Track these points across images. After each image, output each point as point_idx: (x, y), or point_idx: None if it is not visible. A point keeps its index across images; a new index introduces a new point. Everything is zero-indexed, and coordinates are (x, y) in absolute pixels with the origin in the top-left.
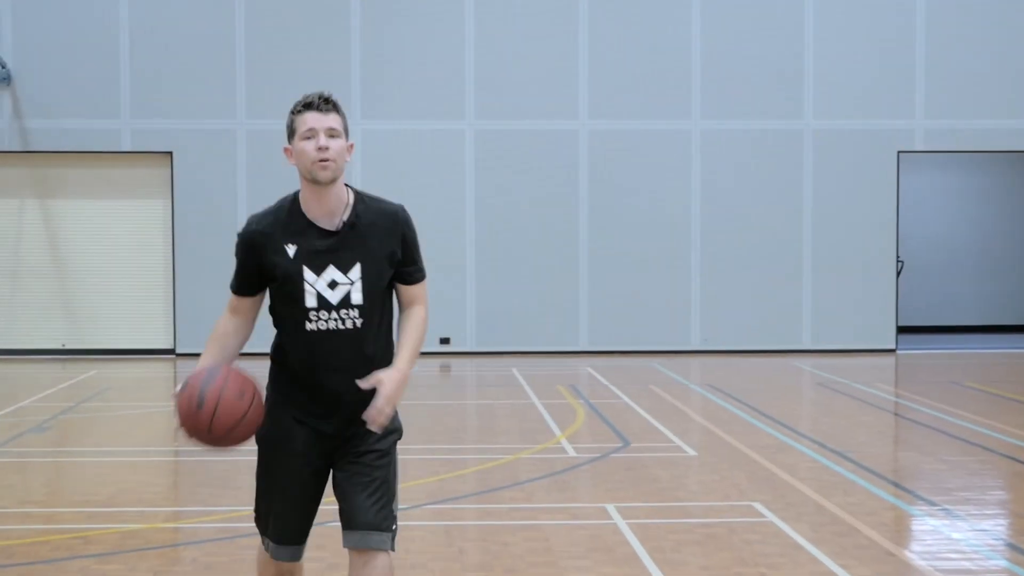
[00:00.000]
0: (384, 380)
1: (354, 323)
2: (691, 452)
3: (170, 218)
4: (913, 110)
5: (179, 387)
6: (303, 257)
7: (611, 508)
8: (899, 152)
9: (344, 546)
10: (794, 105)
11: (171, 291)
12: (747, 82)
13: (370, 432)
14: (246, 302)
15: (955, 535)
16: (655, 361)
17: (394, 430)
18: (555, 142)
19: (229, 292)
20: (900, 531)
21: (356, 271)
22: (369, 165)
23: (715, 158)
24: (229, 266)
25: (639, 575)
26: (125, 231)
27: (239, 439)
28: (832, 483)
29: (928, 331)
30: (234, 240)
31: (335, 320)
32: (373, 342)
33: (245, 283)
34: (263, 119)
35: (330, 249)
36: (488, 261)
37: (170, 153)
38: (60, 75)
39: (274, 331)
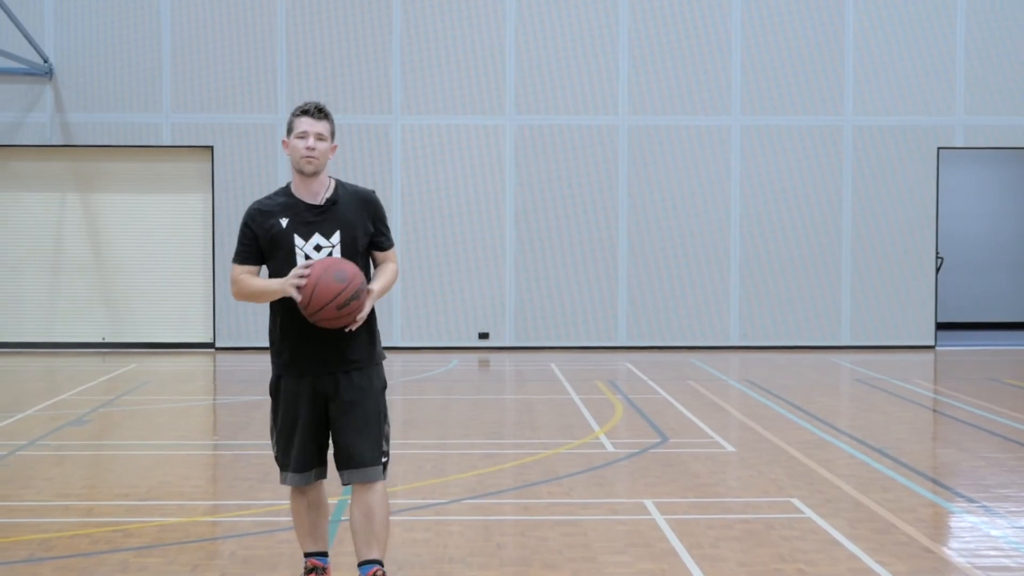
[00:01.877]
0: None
1: None
2: (729, 448)
3: (210, 212)
4: (954, 106)
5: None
6: (293, 227)
7: (649, 503)
8: (939, 148)
9: (344, 483)
10: (834, 101)
11: (211, 285)
12: (787, 78)
13: (357, 379)
14: (248, 271)
15: (994, 532)
16: (693, 356)
17: (382, 384)
18: (594, 138)
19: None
20: (938, 528)
21: (336, 237)
22: (409, 160)
23: (755, 154)
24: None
25: (677, 570)
26: (165, 225)
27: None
28: (870, 479)
29: (968, 327)
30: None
31: None
32: None
33: (245, 253)
34: None
35: (315, 220)
36: (527, 256)
37: (211, 147)
38: (101, 69)
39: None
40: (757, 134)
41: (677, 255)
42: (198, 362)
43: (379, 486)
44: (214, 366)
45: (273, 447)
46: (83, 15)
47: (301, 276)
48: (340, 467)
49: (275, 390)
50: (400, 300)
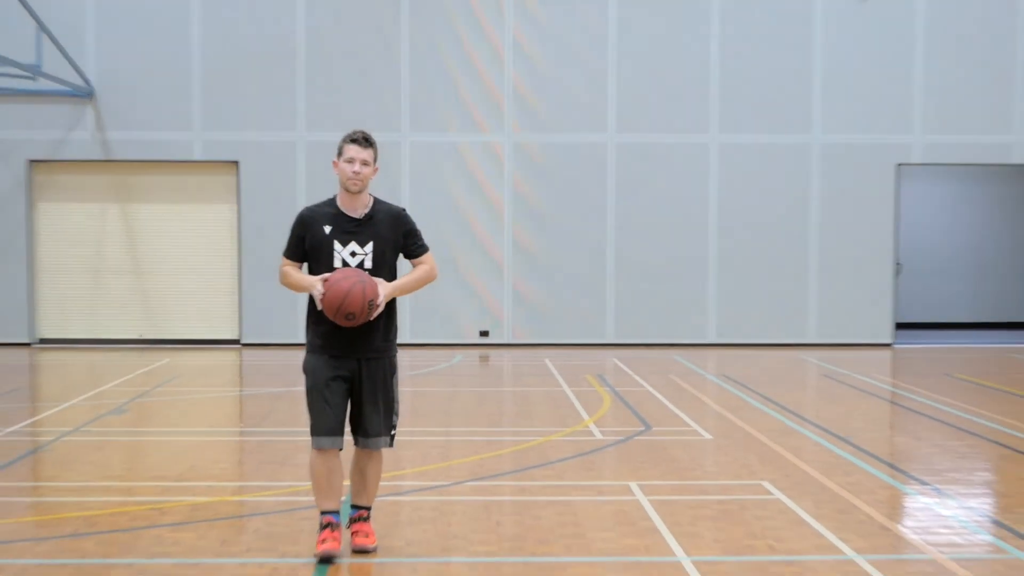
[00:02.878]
0: (379, 287)
1: None
2: (707, 435)
3: (236, 221)
4: (912, 126)
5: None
6: (335, 234)
7: (634, 486)
8: (898, 164)
9: (358, 447)
10: (803, 121)
11: (237, 287)
12: (761, 100)
13: (376, 366)
14: (292, 266)
15: (944, 512)
16: (675, 353)
17: (394, 371)
18: (586, 154)
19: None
20: (895, 508)
21: (369, 247)
22: (417, 174)
23: (731, 169)
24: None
25: (659, 546)
26: (196, 233)
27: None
28: (834, 464)
29: (923, 327)
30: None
31: None
32: None
33: (292, 250)
34: (321, 132)
35: (354, 231)
36: (524, 262)
37: (237, 162)
38: (138, 91)
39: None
40: (733, 151)
41: (660, 260)
42: (225, 357)
43: (378, 454)
44: (240, 361)
45: (311, 413)
46: (121, 42)
47: (323, 282)
48: (355, 433)
49: (309, 367)
50: (410, 301)
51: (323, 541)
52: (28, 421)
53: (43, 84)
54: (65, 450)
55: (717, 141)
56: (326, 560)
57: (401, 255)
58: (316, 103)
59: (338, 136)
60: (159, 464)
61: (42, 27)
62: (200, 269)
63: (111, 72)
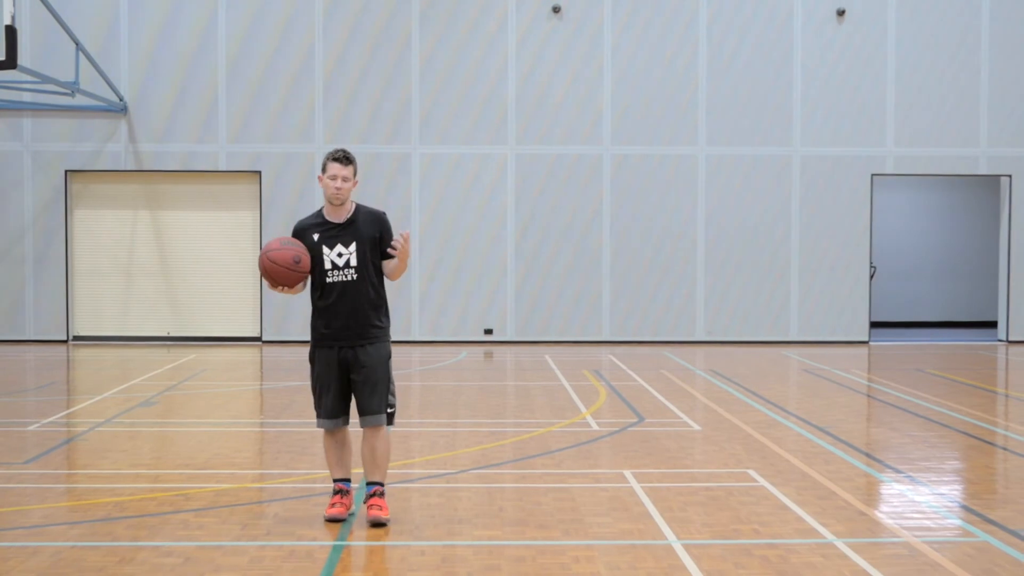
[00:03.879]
0: (401, 240)
1: (352, 277)
2: (696, 427)
3: (258, 226)
4: (885, 139)
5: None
6: (323, 240)
7: (628, 474)
8: (873, 175)
9: (360, 426)
10: (784, 134)
11: (258, 288)
12: (745, 114)
13: (371, 350)
14: None
15: (917, 498)
16: (666, 350)
17: (388, 354)
18: (583, 164)
19: None
20: (871, 494)
21: (352, 246)
22: (427, 183)
23: (718, 178)
24: None
25: (651, 530)
26: (220, 238)
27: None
28: (814, 454)
29: (897, 326)
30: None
31: (342, 275)
32: (365, 289)
33: None
34: (338, 143)
35: (338, 234)
36: (526, 264)
37: (259, 172)
38: (167, 106)
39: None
40: (720, 162)
41: (652, 263)
42: (247, 353)
43: (383, 430)
44: (261, 356)
45: (314, 399)
46: (152, 61)
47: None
48: (359, 415)
49: (312, 358)
50: (418, 301)
51: (332, 505)
52: (64, 413)
53: (80, 100)
54: (98, 440)
55: (704, 153)
56: (334, 521)
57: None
58: (333, 117)
59: (354, 148)
60: (185, 453)
61: (79, 47)
62: (224, 271)
63: (143, 89)
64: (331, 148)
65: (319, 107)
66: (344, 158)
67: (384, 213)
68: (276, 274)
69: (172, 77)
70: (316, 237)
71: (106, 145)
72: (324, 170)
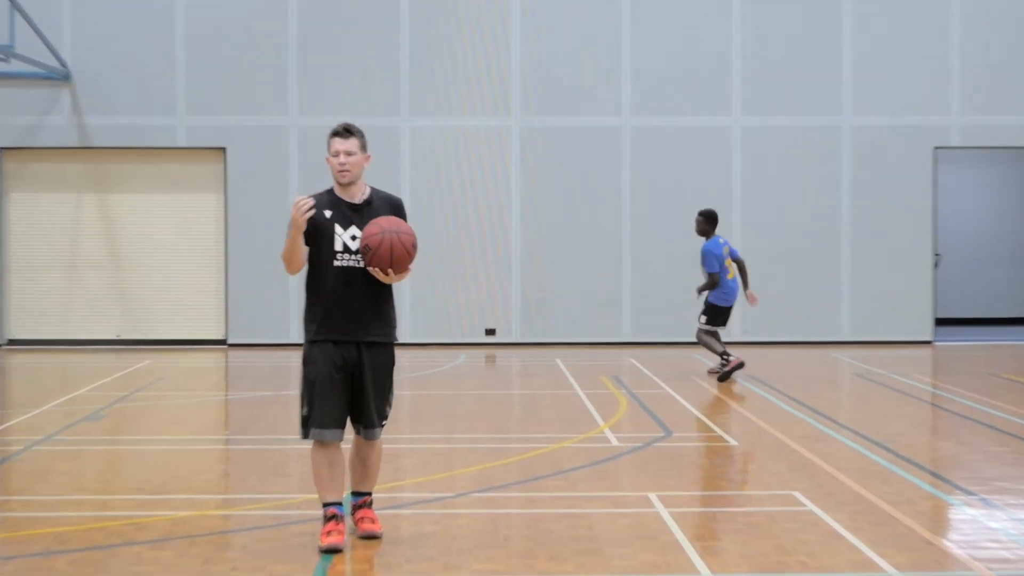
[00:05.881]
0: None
1: (363, 263)
2: (732, 442)
3: (223, 212)
4: (949, 107)
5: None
6: (336, 218)
7: (653, 497)
8: (935, 148)
9: (356, 433)
10: (832, 102)
11: (223, 283)
12: (786, 79)
13: (375, 352)
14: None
15: (992, 524)
16: (696, 352)
17: (393, 362)
18: (599, 139)
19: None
20: (938, 520)
21: None
22: (417, 162)
23: (755, 154)
24: (280, 260)
25: (681, 563)
26: (179, 225)
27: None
28: (870, 472)
29: (965, 323)
30: (286, 228)
31: (352, 260)
32: (375, 279)
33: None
34: (315, 116)
35: (353, 215)
36: (533, 254)
37: (223, 149)
38: (118, 73)
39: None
40: (758, 135)
41: (679, 253)
42: (210, 359)
43: (379, 441)
44: (226, 363)
45: (304, 408)
46: (99, 21)
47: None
48: (355, 422)
49: (310, 358)
50: (409, 297)
51: (328, 533)
52: None
53: (16, 66)
54: (35, 460)
55: (740, 124)
56: (332, 551)
57: None
58: (309, 85)
59: (333, 120)
60: (137, 475)
61: (15, 5)
62: (184, 264)
63: (89, 53)
64: (306, 120)
65: (293, 74)
66: (344, 130)
67: (402, 201)
68: (403, 260)
69: (123, 39)
70: (329, 214)
71: (46, 118)
72: (328, 148)
